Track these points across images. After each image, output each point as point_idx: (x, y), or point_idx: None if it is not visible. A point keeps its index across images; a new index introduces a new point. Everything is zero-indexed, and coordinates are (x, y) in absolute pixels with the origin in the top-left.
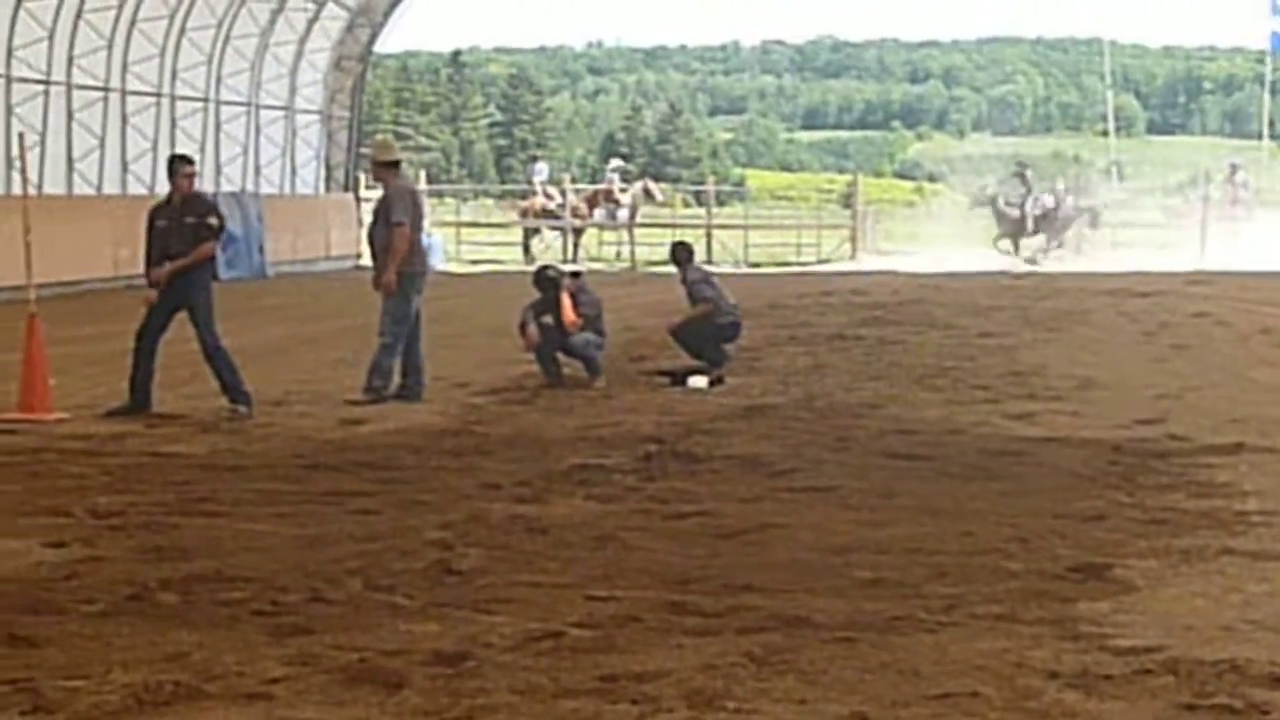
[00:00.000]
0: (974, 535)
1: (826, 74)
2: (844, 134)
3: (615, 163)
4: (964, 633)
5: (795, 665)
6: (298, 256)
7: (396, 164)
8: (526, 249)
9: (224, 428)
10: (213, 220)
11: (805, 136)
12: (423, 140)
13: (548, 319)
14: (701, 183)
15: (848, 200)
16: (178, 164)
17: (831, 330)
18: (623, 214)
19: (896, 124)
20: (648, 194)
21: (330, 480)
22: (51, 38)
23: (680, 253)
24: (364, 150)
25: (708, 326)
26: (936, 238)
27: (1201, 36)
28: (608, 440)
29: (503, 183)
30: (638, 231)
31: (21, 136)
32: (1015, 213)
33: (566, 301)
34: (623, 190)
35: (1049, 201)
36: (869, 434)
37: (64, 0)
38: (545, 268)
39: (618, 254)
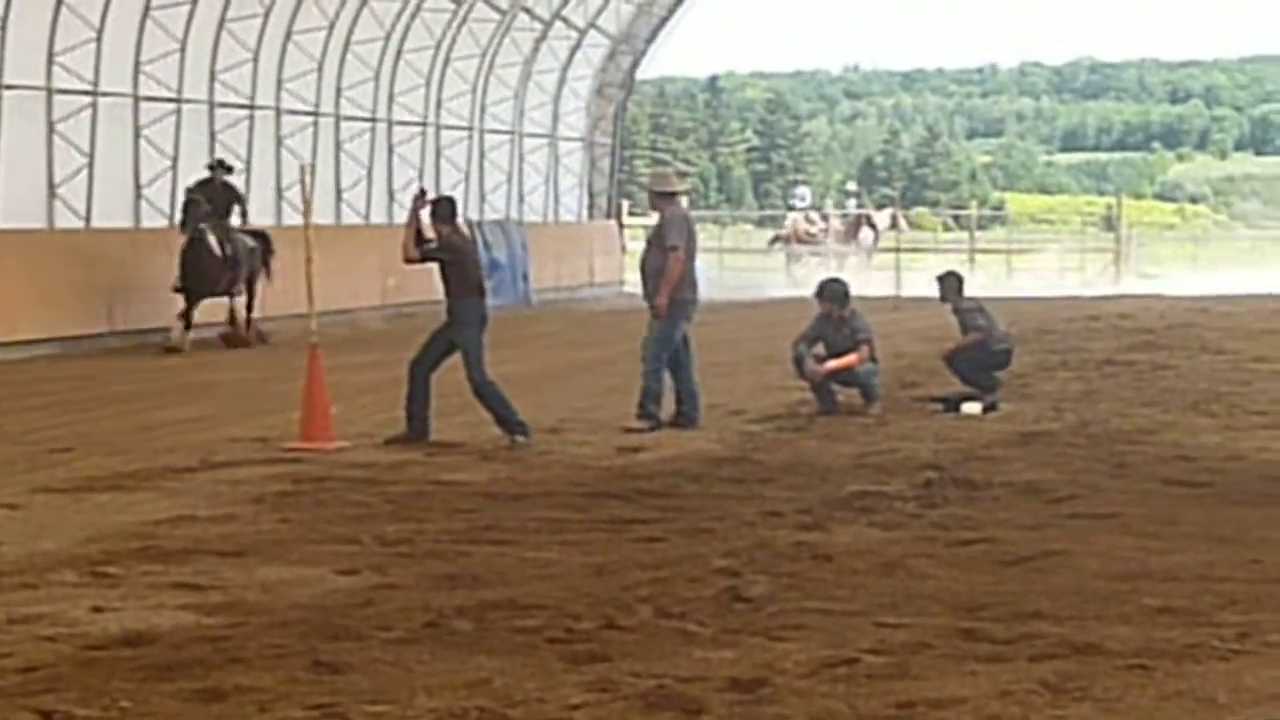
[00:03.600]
0: (1262, 563)
1: (1085, 95)
2: (1103, 156)
3: (851, 186)
4: (1258, 661)
5: (1090, 693)
6: (561, 284)
7: (674, 194)
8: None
9: (503, 456)
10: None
11: (1064, 159)
12: (680, 165)
13: (819, 349)
14: (960, 206)
15: (1109, 223)
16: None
17: (1101, 355)
18: (866, 239)
19: (1157, 145)
20: (894, 222)
21: (613, 508)
22: (320, 70)
23: (950, 283)
24: (621, 177)
25: (981, 354)
26: (1200, 260)
27: None
28: (886, 467)
29: (760, 208)
30: (902, 257)
31: (303, 168)
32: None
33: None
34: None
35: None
36: (1147, 460)
37: (332, 33)
38: (833, 279)
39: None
